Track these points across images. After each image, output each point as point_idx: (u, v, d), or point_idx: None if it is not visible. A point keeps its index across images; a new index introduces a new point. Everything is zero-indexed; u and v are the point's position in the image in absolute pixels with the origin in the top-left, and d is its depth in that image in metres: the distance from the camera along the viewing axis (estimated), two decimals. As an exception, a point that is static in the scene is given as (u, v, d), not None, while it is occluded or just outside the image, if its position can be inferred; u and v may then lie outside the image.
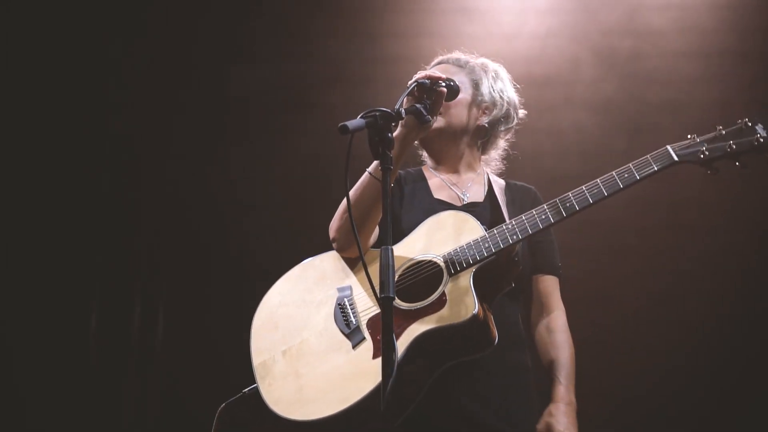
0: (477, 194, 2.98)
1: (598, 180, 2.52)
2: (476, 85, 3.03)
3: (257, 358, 2.76)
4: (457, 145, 3.02)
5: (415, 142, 2.87)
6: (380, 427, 2.20)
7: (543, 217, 2.57)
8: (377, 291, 2.38)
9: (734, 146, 2.40)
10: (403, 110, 2.40)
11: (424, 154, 3.17)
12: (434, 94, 2.62)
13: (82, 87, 4.77)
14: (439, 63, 3.11)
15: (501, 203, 2.87)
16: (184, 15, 4.83)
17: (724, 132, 2.43)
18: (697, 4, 4.49)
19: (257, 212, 4.81)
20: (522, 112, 3.12)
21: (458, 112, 2.98)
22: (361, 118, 2.27)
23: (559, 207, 2.56)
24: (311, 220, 4.65)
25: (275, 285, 2.91)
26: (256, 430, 2.73)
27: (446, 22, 4.70)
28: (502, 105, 3.04)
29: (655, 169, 2.47)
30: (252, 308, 4.61)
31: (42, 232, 4.65)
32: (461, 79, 3.00)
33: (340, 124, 2.21)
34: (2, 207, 4.60)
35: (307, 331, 2.73)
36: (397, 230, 2.83)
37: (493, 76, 3.07)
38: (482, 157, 3.09)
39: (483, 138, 3.07)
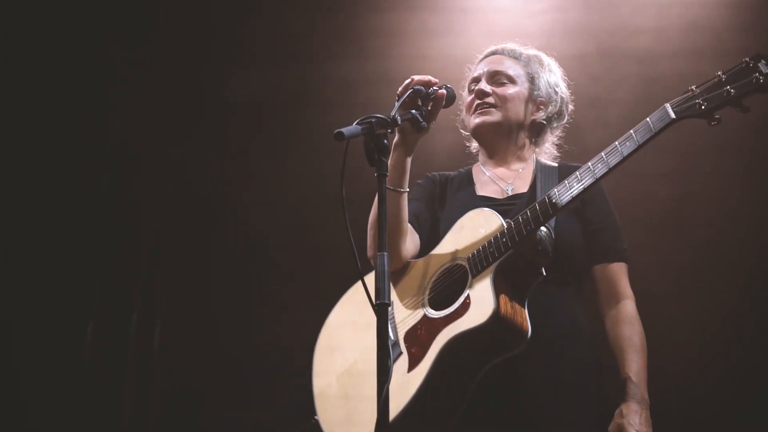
0: (522, 185, 2.89)
1: (602, 153, 2.44)
2: (532, 79, 2.96)
3: (317, 387, 2.79)
4: (511, 140, 2.96)
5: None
6: None
7: (553, 201, 2.48)
8: (411, 302, 2.46)
9: (732, 91, 2.25)
10: (398, 116, 2.36)
11: (474, 145, 3.10)
12: (430, 100, 2.57)
13: (82, 87, 4.75)
14: (493, 53, 3.05)
15: (538, 192, 2.76)
16: (184, 15, 4.82)
17: (724, 77, 2.29)
18: (706, 2, 4.46)
19: (257, 212, 4.79)
20: (570, 107, 3.05)
21: (515, 106, 2.92)
22: (356, 124, 2.25)
23: (567, 187, 2.48)
24: (312, 220, 4.68)
25: (334, 308, 2.91)
26: None
27: (448, 21, 4.68)
28: (557, 101, 2.98)
29: (654, 132, 2.34)
30: (252, 308, 4.66)
31: (42, 233, 4.63)
32: (517, 72, 2.95)
33: (335, 131, 2.19)
34: (2, 207, 4.58)
35: (356, 352, 2.72)
36: (436, 234, 2.82)
37: (548, 70, 3.00)
38: (535, 149, 3.00)
39: (537, 134, 2.99)
